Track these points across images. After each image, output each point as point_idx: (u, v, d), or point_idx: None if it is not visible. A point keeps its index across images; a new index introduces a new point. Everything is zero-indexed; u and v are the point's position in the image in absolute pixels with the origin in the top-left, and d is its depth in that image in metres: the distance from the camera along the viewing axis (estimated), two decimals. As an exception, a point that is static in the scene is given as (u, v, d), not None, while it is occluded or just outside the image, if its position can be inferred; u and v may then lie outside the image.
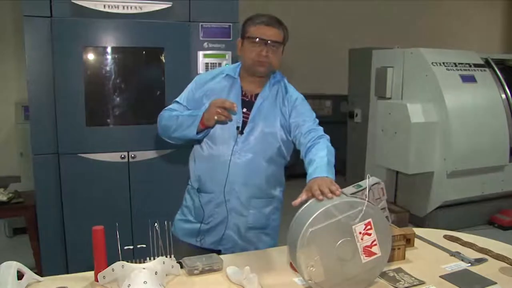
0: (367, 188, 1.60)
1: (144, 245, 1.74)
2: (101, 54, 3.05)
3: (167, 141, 2.11)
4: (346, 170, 6.61)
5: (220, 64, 3.18)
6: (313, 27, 7.60)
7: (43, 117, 2.98)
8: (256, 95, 2.07)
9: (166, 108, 2.11)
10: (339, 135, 7.06)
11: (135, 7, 3.03)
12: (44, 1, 2.90)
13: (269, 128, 2.04)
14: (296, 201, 1.66)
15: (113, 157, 3.07)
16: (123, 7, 3.02)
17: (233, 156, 2.01)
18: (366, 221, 1.51)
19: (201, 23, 3.16)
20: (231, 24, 3.21)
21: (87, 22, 2.97)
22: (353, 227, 1.50)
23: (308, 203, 1.58)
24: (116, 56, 3.07)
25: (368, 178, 1.67)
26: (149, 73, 3.16)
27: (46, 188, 3.03)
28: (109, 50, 3.06)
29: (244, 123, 2.03)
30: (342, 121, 6.95)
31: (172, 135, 2.05)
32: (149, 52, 3.10)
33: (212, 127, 1.99)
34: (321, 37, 7.61)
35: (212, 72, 2.16)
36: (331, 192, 1.57)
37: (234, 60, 3.21)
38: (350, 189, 1.59)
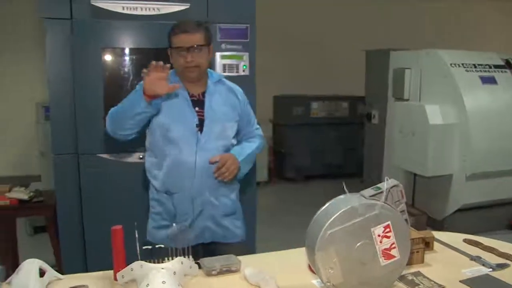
0: (386, 191, 1.59)
1: (163, 245, 1.75)
2: (120, 55, 3.08)
3: (120, 139, 2.18)
4: (363, 172, 6.59)
5: (237, 66, 3.20)
6: (329, 27, 7.60)
7: (63, 117, 3.01)
8: (203, 94, 2.22)
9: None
10: (356, 137, 7.05)
11: (153, 9, 3.05)
12: (64, 3, 2.94)
13: (227, 117, 2.22)
14: (212, 159, 2.12)
15: (131, 157, 3.09)
16: (141, 9, 3.04)
17: (198, 155, 2.14)
18: (385, 223, 1.50)
19: (218, 25, 3.16)
20: (248, 25, 3.21)
21: (106, 24, 2.99)
22: (372, 229, 1.49)
23: (326, 206, 1.57)
24: (134, 57, 3.09)
25: (387, 180, 1.65)
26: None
27: (66, 187, 3.06)
28: (127, 51, 3.08)
29: (201, 121, 2.17)
30: (359, 122, 6.95)
31: (123, 121, 2.09)
32: (167, 53, 3.17)
33: (153, 99, 2.03)
34: (337, 37, 7.59)
35: None
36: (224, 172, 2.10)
37: (251, 61, 3.24)
38: (368, 191, 1.58)
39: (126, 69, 3.09)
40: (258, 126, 2.45)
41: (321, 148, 7.15)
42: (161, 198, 2.23)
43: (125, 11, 3.01)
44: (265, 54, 5.96)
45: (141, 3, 3.02)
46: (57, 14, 2.93)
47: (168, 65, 1.98)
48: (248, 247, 2.43)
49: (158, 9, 3.04)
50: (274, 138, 7.37)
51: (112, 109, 2.15)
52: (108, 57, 3.05)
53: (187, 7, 3.09)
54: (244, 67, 3.20)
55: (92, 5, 2.96)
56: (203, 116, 2.17)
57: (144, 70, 1.96)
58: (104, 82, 3.01)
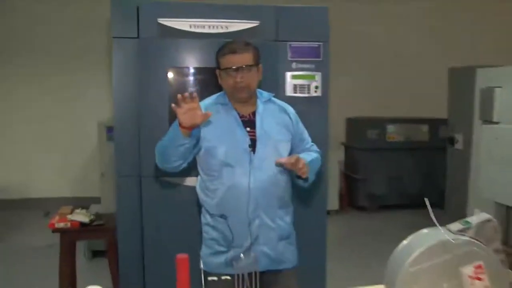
0: (477, 226, 1.53)
1: (229, 277, 1.77)
2: (186, 75, 3.20)
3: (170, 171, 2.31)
4: (445, 202, 6.35)
5: (309, 86, 3.23)
6: (407, 44, 7.49)
7: (127, 138, 3.14)
8: (253, 113, 2.33)
9: None
10: (437, 163, 6.84)
11: (221, 27, 3.14)
12: (132, 22, 3.10)
13: (280, 137, 2.32)
14: (279, 160, 2.19)
15: (196, 182, 3.16)
16: (209, 27, 3.14)
17: (252, 175, 2.22)
18: (477, 263, 1.44)
19: (289, 43, 3.22)
20: (321, 43, 3.25)
21: (173, 43, 3.12)
22: (461, 269, 1.43)
23: (407, 239, 1.53)
24: (201, 77, 3.20)
25: (477, 214, 1.59)
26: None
27: (128, 211, 3.17)
28: (194, 71, 3.20)
29: (253, 142, 2.26)
30: (440, 147, 6.75)
31: (168, 155, 2.22)
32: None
33: (190, 130, 2.12)
34: (416, 55, 7.47)
35: (201, 103, 2.32)
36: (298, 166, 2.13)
37: (324, 81, 3.26)
38: (456, 225, 1.52)
39: (193, 89, 3.19)
40: (312, 144, 2.52)
41: (398, 175, 6.99)
42: (215, 222, 2.30)
43: (192, 29, 3.12)
44: (338, 73, 5.98)
45: (208, 21, 3.13)
46: (125, 33, 3.10)
47: (195, 94, 2.09)
48: (297, 274, 2.45)
49: (226, 27, 3.14)
50: (346, 162, 7.30)
51: (158, 143, 2.29)
52: (174, 77, 3.18)
53: (256, 24, 3.16)
54: (316, 87, 3.23)
55: (159, 23, 3.10)
56: (254, 136, 2.27)
57: (173, 105, 2.08)
58: (170, 103, 3.11)
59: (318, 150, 2.51)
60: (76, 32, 6.48)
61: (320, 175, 3.13)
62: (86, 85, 6.52)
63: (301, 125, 2.47)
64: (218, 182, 2.26)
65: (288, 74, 3.22)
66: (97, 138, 5.17)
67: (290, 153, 2.35)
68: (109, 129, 4.72)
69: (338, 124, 6.93)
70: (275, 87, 3.19)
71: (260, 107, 2.34)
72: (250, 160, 2.23)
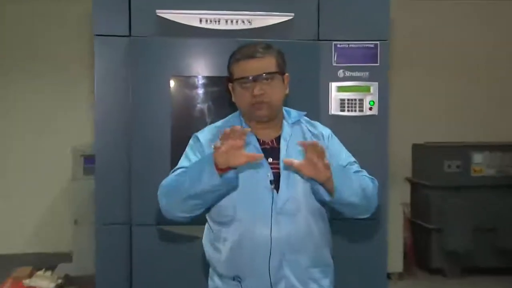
0: None
1: None
2: (196, 86, 3.33)
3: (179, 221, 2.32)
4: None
5: (362, 102, 3.32)
6: (498, 45, 7.50)
7: (113, 172, 3.27)
8: (277, 139, 2.38)
9: (170, 175, 2.34)
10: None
11: (243, 21, 3.28)
12: (121, 15, 3.26)
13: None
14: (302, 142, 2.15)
15: (203, 231, 3.24)
16: (226, 22, 3.28)
17: (274, 221, 2.25)
18: None
19: (334, 42, 3.33)
20: (377, 42, 3.35)
21: (177, 43, 3.26)
22: None
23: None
24: (215, 89, 3.32)
25: None
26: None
27: (112, 272, 3.27)
28: (205, 81, 3.32)
29: (276, 176, 2.29)
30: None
31: (185, 201, 2.20)
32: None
33: (227, 171, 2.12)
34: (506, 65, 7.48)
35: (209, 129, 2.46)
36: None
37: (383, 95, 3.34)
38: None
39: (203, 106, 3.32)
40: (361, 170, 2.50)
41: (489, 224, 6.93)
42: (224, 285, 2.34)
43: (204, 25, 3.27)
44: (401, 84, 6.04)
45: (225, 13, 3.27)
46: (111, 30, 3.27)
47: (249, 129, 2.15)
48: None
49: (249, 21, 3.27)
50: (414, 206, 7.27)
51: (166, 181, 2.32)
52: (178, 89, 3.31)
53: (290, 18, 3.29)
54: (371, 103, 3.33)
55: (159, 17, 3.25)
56: (278, 169, 2.31)
57: (217, 144, 2.07)
58: (173, 124, 3.25)
59: (369, 176, 2.48)
60: (40, 28, 6.59)
61: (377, 224, 3.20)
62: (57, 99, 6.54)
63: (339, 146, 2.50)
64: (230, 230, 2.29)
65: (333, 86, 3.33)
66: (70, 171, 5.23)
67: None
68: (88, 159, 4.82)
69: (401, 152, 6.89)
70: (315, 103, 3.31)
71: (287, 130, 2.40)
72: (272, 201, 2.26)
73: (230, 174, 2.14)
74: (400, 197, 6.86)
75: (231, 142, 2.06)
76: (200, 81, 3.33)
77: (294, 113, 2.48)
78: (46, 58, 6.45)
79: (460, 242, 6.97)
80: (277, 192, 2.27)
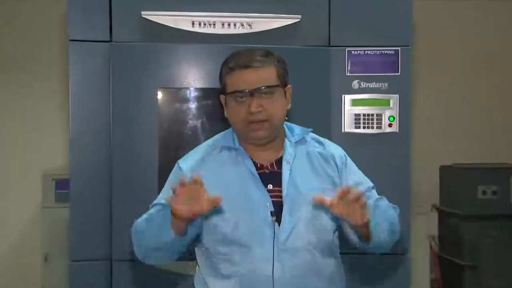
0: None
1: None
2: (187, 99, 3.38)
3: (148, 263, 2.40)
4: None
5: (380, 117, 3.35)
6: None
7: (91, 198, 3.30)
8: (278, 162, 2.38)
9: (142, 216, 2.36)
10: None
11: (242, 25, 3.32)
12: (100, 17, 3.30)
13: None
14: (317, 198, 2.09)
15: (194, 267, 3.27)
16: (222, 25, 3.32)
17: (277, 260, 2.22)
18: None
19: (348, 48, 3.38)
20: (398, 48, 3.39)
21: (166, 49, 3.30)
22: None
23: None
24: (209, 103, 3.35)
25: None
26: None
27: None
28: (199, 93, 3.36)
29: (277, 206, 2.27)
30: None
31: (150, 246, 2.28)
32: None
33: (191, 220, 2.13)
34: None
35: (196, 151, 2.47)
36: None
37: (404, 109, 3.37)
38: None
39: (196, 122, 3.36)
40: (381, 197, 2.50)
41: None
42: None
43: (197, 29, 3.31)
44: (426, 96, 6.08)
45: (222, 15, 3.31)
46: (89, 34, 3.31)
47: (200, 174, 2.09)
48: None
49: (249, 24, 3.32)
50: (442, 238, 7.27)
51: (138, 222, 2.35)
52: (167, 102, 3.36)
53: (297, 20, 3.34)
54: (391, 119, 3.37)
55: (144, 19, 3.29)
56: (280, 198, 2.30)
57: (171, 195, 2.07)
58: (160, 142, 3.30)
59: (391, 204, 2.49)
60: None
61: (399, 260, 3.23)
62: (23, 112, 6.58)
63: (354, 172, 2.49)
64: (224, 272, 2.28)
65: (347, 99, 3.37)
66: (40, 198, 5.25)
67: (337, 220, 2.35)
68: (60, 184, 4.84)
69: (427, 176, 6.91)
70: (325, 119, 3.35)
71: (289, 151, 2.39)
72: (273, 235, 2.24)
73: (191, 227, 2.19)
74: (426, 229, 6.87)
75: (189, 188, 2.05)
76: (192, 93, 3.37)
77: (297, 129, 2.48)
78: (12, 65, 6.47)
79: (498, 281, 6.97)
80: (279, 225, 2.25)
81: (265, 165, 2.37)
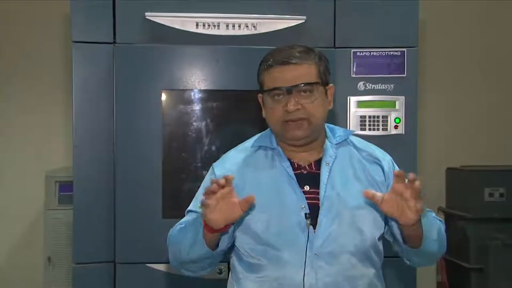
0: None
1: None
2: (191, 101, 3.38)
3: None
4: None
5: (386, 119, 3.37)
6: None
7: (95, 201, 3.31)
8: (317, 163, 2.33)
9: (176, 225, 2.36)
10: None
11: (246, 26, 3.33)
12: (104, 19, 3.31)
13: (362, 204, 2.23)
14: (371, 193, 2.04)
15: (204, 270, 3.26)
16: (227, 26, 3.33)
17: (309, 267, 2.17)
18: None
19: (353, 50, 3.39)
20: (404, 49, 3.40)
21: (170, 51, 3.31)
22: None
23: None
24: (215, 105, 3.37)
25: None
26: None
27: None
28: (203, 95, 3.37)
29: (314, 209, 2.22)
30: None
31: (184, 259, 2.26)
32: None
33: (225, 230, 2.12)
34: None
35: (230, 153, 2.44)
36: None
37: (411, 111, 3.38)
38: None
39: (200, 125, 3.37)
40: (429, 210, 2.43)
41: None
42: None
43: (201, 30, 3.32)
44: (433, 97, 6.08)
45: (226, 17, 3.31)
46: (92, 36, 3.31)
47: (232, 175, 2.04)
48: None
49: (254, 26, 3.32)
50: (448, 241, 7.22)
51: (173, 233, 2.34)
52: (171, 104, 3.37)
53: (302, 21, 3.34)
54: (397, 121, 3.38)
55: (148, 21, 3.30)
56: (318, 200, 2.24)
57: (203, 202, 2.03)
58: (164, 145, 3.30)
59: (438, 217, 2.47)
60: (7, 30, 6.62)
61: (404, 262, 3.24)
62: (27, 114, 6.57)
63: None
64: (252, 279, 2.25)
65: (352, 100, 3.37)
66: (43, 201, 5.25)
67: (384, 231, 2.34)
68: (63, 186, 4.82)
69: (433, 178, 6.90)
70: (330, 120, 3.27)
71: (330, 152, 2.34)
72: (307, 240, 2.18)
73: (224, 239, 2.17)
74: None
75: (219, 194, 2.01)
76: (197, 95, 3.38)
77: (339, 131, 2.43)
78: (15, 66, 6.47)
79: (505, 285, 6.95)
80: (314, 229, 2.19)
81: (302, 166, 2.32)
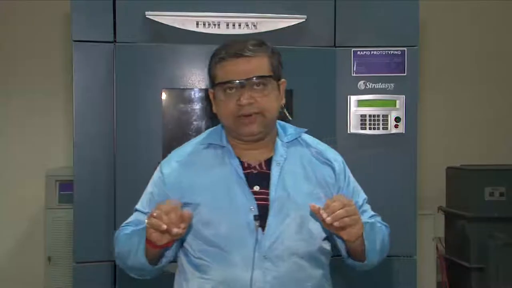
0: None
1: None
2: (192, 100, 3.40)
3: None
4: None
5: (386, 118, 3.38)
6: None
7: (95, 200, 3.32)
8: (267, 162, 2.29)
9: (123, 224, 2.37)
10: None
11: (247, 25, 3.35)
12: (105, 19, 3.32)
13: (312, 203, 2.11)
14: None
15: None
16: (227, 25, 3.35)
17: (257, 269, 2.14)
18: None
19: (353, 49, 3.40)
20: (405, 48, 3.42)
21: (170, 50, 3.33)
22: None
23: None
24: (215, 104, 3.37)
25: None
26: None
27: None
28: (204, 94, 3.38)
29: (264, 210, 2.18)
30: None
31: (129, 264, 2.26)
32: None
33: (169, 246, 2.13)
34: None
35: (179, 150, 2.42)
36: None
37: (411, 110, 3.39)
38: None
39: (200, 123, 3.39)
40: (375, 214, 2.47)
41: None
42: None
43: (201, 29, 3.34)
44: (433, 97, 6.09)
45: (227, 16, 3.33)
46: (93, 35, 3.33)
47: (179, 204, 2.03)
48: None
49: (254, 25, 3.34)
50: (449, 240, 7.26)
51: (120, 235, 2.32)
52: (171, 104, 3.39)
53: (302, 20, 3.36)
54: (397, 119, 3.39)
55: (148, 20, 3.31)
56: (267, 200, 2.21)
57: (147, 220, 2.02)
58: (164, 144, 3.31)
59: (383, 222, 2.44)
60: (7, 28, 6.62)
61: (405, 262, 3.23)
62: (27, 114, 6.57)
63: (352, 183, 2.43)
64: (200, 279, 2.22)
65: (353, 99, 3.39)
66: (43, 200, 5.26)
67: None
68: (64, 185, 4.84)
69: (433, 177, 6.91)
70: (331, 120, 3.38)
71: (280, 151, 2.31)
72: (255, 241, 2.16)
73: (168, 253, 2.19)
74: (432, 231, 6.86)
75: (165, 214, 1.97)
76: (197, 94, 3.40)
77: (291, 129, 2.39)
78: (15, 66, 6.48)
79: (506, 284, 6.96)
80: (263, 231, 2.17)
81: (252, 165, 2.28)
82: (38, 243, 5.56)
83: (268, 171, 2.26)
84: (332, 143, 2.71)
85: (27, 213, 6.06)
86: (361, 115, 3.37)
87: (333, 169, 2.35)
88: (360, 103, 3.38)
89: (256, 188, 2.22)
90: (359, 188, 2.45)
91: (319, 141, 2.45)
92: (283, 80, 2.31)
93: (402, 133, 3.39)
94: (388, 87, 3.39)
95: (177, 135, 3.35)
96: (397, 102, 3.38)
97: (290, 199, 2.21)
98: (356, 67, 3.38)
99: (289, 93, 3.27)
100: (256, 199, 2.20)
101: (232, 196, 2.20)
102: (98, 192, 3.32)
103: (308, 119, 3.28)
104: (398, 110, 3.38)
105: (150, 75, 3.30)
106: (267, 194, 2.21)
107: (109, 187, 3.30)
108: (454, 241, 7.23)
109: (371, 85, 3.39)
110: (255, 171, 2.27)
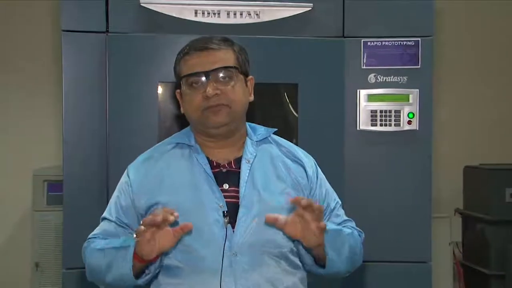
0: None
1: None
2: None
3: None
4: None
5: (399, 114, 3.37)
6: None
7: (86, 201, 3.32)
8: (237, 161, 2.39)
9: (90, 235, 2.47)
10: None
11: (249, 14, 3.35)
12: (96, 8, 3.32)
13: (283, 202, 2.28)
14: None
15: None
16: (228, 14, 3.35)
17: (227, 270, 2.21)
18: None
19: (363, 39, 3.40)
20: (419, 39, 3.41)
21: (167, 41, 3.32)
22: None
23: None
24: (214, 98, 3.38)
25: None
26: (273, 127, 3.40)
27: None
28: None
29: (234, 208, 2.28)
30: None
31: (107, 281, 2.30)
32: (273, 91, 3.42)
33: (155, 261, 2.20)
34: None
35: (149, 151, 2.53)
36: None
37: (425, 105, 3.39)
38: None
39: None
40: (349, 219, 2.57)
41: None
42: None
43: (200, 19, 3.33)
44: (449, 91, 6.09)
45: (227, 4, 3.33)
46: (83, 25, 3.33)
47: (177, 214, 2.09)
48: None
49: (257, 14, 3.34)
50: (466, 245, 7.28)
51: (89, 249, 2.44)
52: (168, 98, 3.38)
53: (308, 9, 3.35)
54: (411, 115, 3.38)
55: (143, 8, 3.31)
56: (237, 198, 2.31)
57: (140, 229, 2.10)
58: (160, 140, 3.21)
59: (357, 228, 2.54)
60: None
61: (419, 269, 3.24)
62: (13, 110, 6.58)
63: (324, 185, 2.54)
64: (169, 278, 2.29)
65: (362, 94, 3.39)
66: (30, 201, 5.27)
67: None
68: (52, 185, 4.84)
69: (450, 177, 6.91)
70: (339, 115, 3.38)
71: (250, 150, 2.41)
72: (225, 240, 2.23)
73: (152, 267, 2.22)
74: (449, 235, 6.86)
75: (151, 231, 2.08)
76: (197, 88, 3.39)
77: (261, 129, 2.51)
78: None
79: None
80: (233, 229, 2.25)
81: (222, 164, 2.38)
82: (25, 248, 5.54)
83: (237, 170, 2.37)
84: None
85: (12, 215, 6.05)
86: (372, 111, 3.37)
87: (305, 170, 2.46)
88: (371, 98, 3.37)
89: (225, 186, 2.33)
90: (332, 191, 2.55)
91: (290, 143, 2.59)
92: (251, 76, 2.45)
93: (415, 130, 3.38)
94: (400, 81, 3.38)
95: (174, 132, 3.28)
96: (411, 96, 3.37)
97: (261, 197, 2.31)
98: (366, 59, 3.38)
99: (294, 88, 3.32)
100: (226, 197, 2.30)
101: (201, 194, 2.29)
102: (90, 193, 3.32)
103: (315, 115, 3.31)
104: (411, 105, 3.37)
105: (145, 68, 3.31)
106: (237, 192, 2.32)
107: (101, 187, 3.30)
108: (472, 246, 7.23)
109: (383, 79, 3.38)
110: (224, 170, 2.37)
